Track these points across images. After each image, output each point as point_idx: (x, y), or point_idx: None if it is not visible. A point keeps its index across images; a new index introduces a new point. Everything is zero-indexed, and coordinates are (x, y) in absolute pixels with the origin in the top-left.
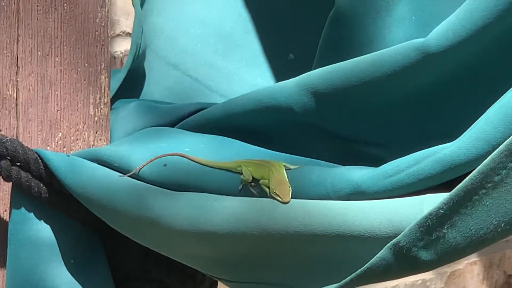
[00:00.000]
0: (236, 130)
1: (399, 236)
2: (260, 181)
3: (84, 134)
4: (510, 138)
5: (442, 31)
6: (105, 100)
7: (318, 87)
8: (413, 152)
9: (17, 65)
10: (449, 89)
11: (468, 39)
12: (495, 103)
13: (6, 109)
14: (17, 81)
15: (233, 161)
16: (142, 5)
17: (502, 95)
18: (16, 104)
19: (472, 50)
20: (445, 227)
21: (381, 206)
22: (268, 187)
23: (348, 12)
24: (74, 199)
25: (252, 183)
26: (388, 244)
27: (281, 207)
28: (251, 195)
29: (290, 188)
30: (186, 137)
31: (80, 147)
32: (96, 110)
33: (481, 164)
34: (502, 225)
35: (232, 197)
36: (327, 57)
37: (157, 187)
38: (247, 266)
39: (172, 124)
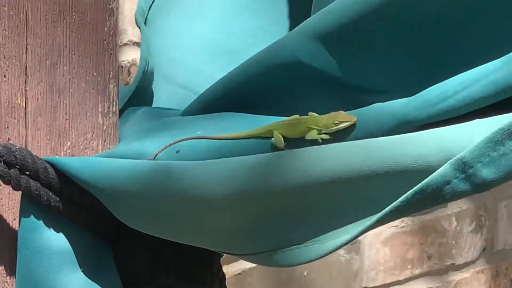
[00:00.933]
0: (241, 103)
1: (464, 152)
2: (306, 136)
3: (93, 143)
4: None
5: None
6: (114, 109)
7: (323, 28)
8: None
9: (25, 74)
10: (463, 17)
11: None
12: None
13: (15, 118)
14: (26, 90)
15: (259, 127)
16: (145, 24)
17: None
18: (25, 113)
19: None
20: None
21: (431, 135)
22: (319, 130)
23: None
24: (84, 207)
25: (284, 147)
26: (451, 160)
27: (323, 152)
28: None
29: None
30: (194, 121)
31: (89, 156)
32: (105, 119)
33: None
34: None
35: (263, 154)
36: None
37: (186, 161)
38: (281, 226)
39: None
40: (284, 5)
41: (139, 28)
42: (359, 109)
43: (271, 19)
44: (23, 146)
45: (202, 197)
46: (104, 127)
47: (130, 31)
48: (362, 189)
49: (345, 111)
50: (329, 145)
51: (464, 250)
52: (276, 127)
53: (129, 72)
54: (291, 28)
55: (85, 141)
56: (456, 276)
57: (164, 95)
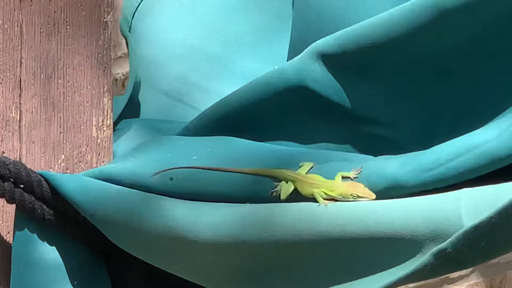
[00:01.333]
0: (242, 127)
1: (446, 243)
2: (314, 196)
3: (87, 156)
4: None
5: None
6: (108, 122)
7: (329, 52)
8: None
9: (20, 87)
10: (466, 57)
11: None
12: None
13: (9, 131)
14: (20, 103)
15: (269, 169)
16: (129, 31)
17: None
18: (19, 127)
19: (493, 11)
20: (495, 232)
21: (417, 204)
22: (332, 198)
23: None
24: (78, 220)
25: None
26: (433, 250)
27: (312, 211)
28: (278, 201)
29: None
30: (190, 144)
31: (83, 169)
32: (99, 132)
33: None
34: None
35: (256, 204)
36: (299, 40)
37: (179, 199)
38: (265, 275)
39: None
40: (266, 11)
41: (124, 37)
42: (358, 162)
43: (253, 25)
44: (18, 159)
45: (191, 238)
46: (99, 140)
47: (124, 44)
48: (349, 251)
49: (341, 144)
50: (321, 205)
51: None
52: (290, 177)
53: (123, 85)
54: (273, 35)
55: (79, 155)
56: None
57: (150, 104)
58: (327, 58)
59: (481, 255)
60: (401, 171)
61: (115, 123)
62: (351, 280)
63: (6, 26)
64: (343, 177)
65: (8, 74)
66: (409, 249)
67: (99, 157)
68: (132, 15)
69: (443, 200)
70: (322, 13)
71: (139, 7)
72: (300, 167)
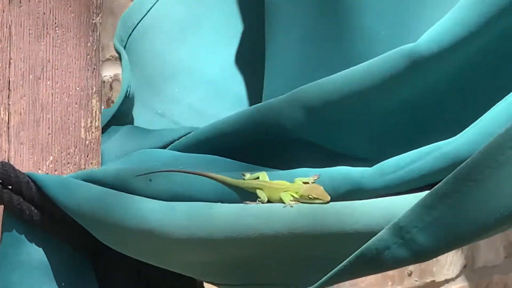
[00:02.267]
0: (226, 149)
1: (400, 217)
2: (281, 197)
3: (75, 157)
4: None
5: (433, 36)
6: (96, 123)
7: (309, 102)
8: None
9: (9, 88)
10: (442, 99)
11: (460, 43)
12: (500, 102)
13: None
14: (8, 104)
15: (244, 180)
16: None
17: (499, 100)
18: (8, 128)
19: (464, 56)
20: (445, 207)
21: (379, 205)
22: (297, 200)
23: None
24: (66, 222)
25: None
26: (388, 225)
27: (279, 211)
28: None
29: (323, 189)
30: (178, 157)
31: (71, 171)
32: (88, 133)
33: (488, 142)
34: (502, 210)
35: (228, 204)
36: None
37: (156, 200)
38: (245, 269)
39: (163, 147)
40: (259, 32)
41: (118, 53)
42: (323, 169)
43: (247, 47)
44: (6, 160)
45: (166, 237)
46: (87, 141)
47: (112, 46)
48: (316, 248)
49: (314, 167)
50: (287, 206)
51: (445, 267)
52: (262, 187)
53: (111, 87)
54: (264, 55)
55: (68, 156)
56: None
57: (143, 123)
58: (308, 108)
59: (434, 238)
60: (363, 176)
61: (103, 130)
62: (324, 275)
63: None
64: (303, 182)
65: None
66: None
67: (88, 158)
68: (128, 35)
69: (405, 201)
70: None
71: (136, 28)
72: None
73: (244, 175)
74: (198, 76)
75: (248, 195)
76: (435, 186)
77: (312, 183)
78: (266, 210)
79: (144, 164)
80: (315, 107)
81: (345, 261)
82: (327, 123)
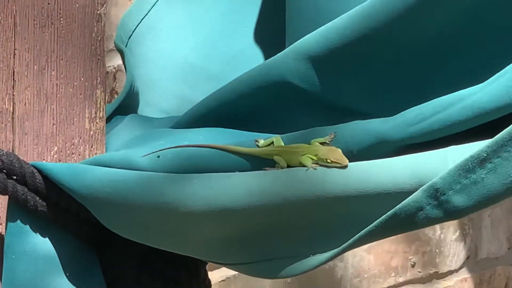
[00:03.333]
0: (230, 120)
1: (436, 178)
2: (301, 161)
3: (80, 148)
4: None
5: None
6: (101, 114)
7: (313, 51)
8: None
9: (13, 79)
10: (456, 45)
11: None
12: None
13: (2, 123)
14: (13, 94)
15: (259, 149)
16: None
17: None
18: (12, 118)
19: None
20: (485, 171)
21: (404, 161)
22: (317, 163)
23: None
24: (71, 212)
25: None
26: (424, 186)
27: (302, 175)
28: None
29: (340, 152)
30: (183, 134)
31: (76, 161)
32: (92, 124)
33: None
34: None
35: (247, 172)
36: (293, 34)
37: (168, 174)
38: (263, 241)
39: None
40: (264, 27)
41: (120, 51)
42: (339, 125)
43: (251, 41)
44: (10, 151)
45: (184, 211)
46: (91, 132)
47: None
48: (341, 211)
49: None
50: (309, 170)
51: (448, 258)
52: (279, 152)
53: (114, 78)
54: (274, 50)
55: (72, 146)
56: (440, 285)
57: None
58: (312, 59)
59: (469, 198)
60: (386, 127)
61: (107, 121)
62: (347, 239)
63: (0, 18)
64: (320, 143)
65: (1, 66)
66: (395, 205)
67: (92, 149)
68: (129, 36)
69: (431, 157)
70: (314, 21)
71: (136, 28)
72: (263, 142)
73: (257, 141)
74: (201, 73)
75: (265, 162)
76: (476, 150)
77: (330, 141)
78: (289, 175)
79: (149, 144)
80: (319, 57)
81: (375, 222)
82: (333, 73)
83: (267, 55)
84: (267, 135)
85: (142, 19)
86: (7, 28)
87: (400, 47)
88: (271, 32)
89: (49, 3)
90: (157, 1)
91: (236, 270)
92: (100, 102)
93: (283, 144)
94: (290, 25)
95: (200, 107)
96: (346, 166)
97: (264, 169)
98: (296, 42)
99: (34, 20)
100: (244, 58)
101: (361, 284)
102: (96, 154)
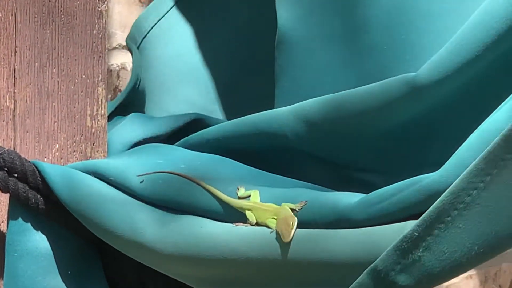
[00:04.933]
0: (232, 151)
1: (377, 260)
2: (270, 224)
3: (81, 145)
4: (479, 157)
5: (433, 65)
6: (102, 111)
7: (311, 117)
8: (407, 178)
9: (14, 76)
10: (440, 119)
11: (458, 71)
12: (476, 130)
13: (3, 120)
14: (14, 92)
15: (236, 200)
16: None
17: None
18: (14, 116)
19: (461, 81)
20: (420, 250)
21: (363, 234)
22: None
23: (292, 36)
24: None
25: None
26: (367, 269)
27: (267, 237)
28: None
29: (294, 226)
30: (184, 155)
31: (77, 159)
32: (93, 121)
33: (452, 185)
34: (476, 248)
35: (219, 223)
36: (283, 83)
37: (150, 207)
38: (236, 286)
39: (169, 135)
40: (272, 36)
41: (130, 50)
42: (313, 193)
43: (261, 51)
44: (12, 149)
45: (158, 251)
46: (93, 129)
47: (119, 35)
48: (301, 274)
49: (324, 186)
50: (273, 232)
51: None
52: (250, 207)
53: (118, 76)
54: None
55: (74, 144)
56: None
57: None
58: (309, 120)
59: (413, 278)
60: (348, 206)
61: (108, 119)
62: None
63: (1, 15)
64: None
65: (2, 63)
66: (352, 274)
67: (94, 146)
68: (142, 37)
69: (388, 230)
70: None
71: (151, 30)
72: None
73: (238, 189)
74: (211, 79)
75: (238, 215)
76: (408, 230)
77: (299, 209)
78: (254, 235)
79: (148, 160)
80: (316, 122)
81: None
82: (328, 137)
83: (273, 66)
84: (264, 173)
85: (158, 21)
86: (8, 25)
87: (392, 122)
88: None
89: (49, 0)
90: (173, 6)
91: None
92: (101, 100)
93: (258, 200)
94: (278, 68)
95: (206, 133)
96: (285, 242)
97: (236, 224)
98: (298, 104)
99: (35, 17)
100: (256, 67)
101: None
102: (98, 151)
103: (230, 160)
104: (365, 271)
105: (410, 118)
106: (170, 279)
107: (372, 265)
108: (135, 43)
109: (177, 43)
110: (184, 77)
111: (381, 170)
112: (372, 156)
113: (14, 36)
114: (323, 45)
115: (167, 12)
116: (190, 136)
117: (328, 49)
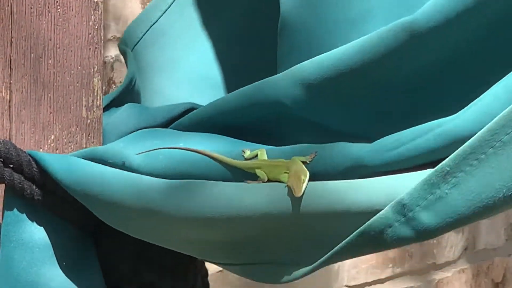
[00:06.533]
0: (228, 127)
1: (404, 194)
2: (283, 179)
3: (77, 136)
4: None
5: (431, 9)
6: (98, 103)
7: (308, 79)
8: None
9: (10, 67)
10: (442, 76)
11: (458, 18)
12: (501, 81)
13: None
14: (10, 83)
15: (243, 161)
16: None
17: (500, 78)
18: (9, 106)
19: (463, 31)
20: (449, 186)
21: (381, 183)
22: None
23: (295, 22)
24: (67, 200)
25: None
26: (392, 203)
27: (281, 191)
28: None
29: (306, 181)
30: (180, 136)
31: (73, 150)
32: (89, 112)
33: (492, 122)
34: (504, 190)
35: (228, 183)
36: (285, 65)
37: (155, 178)
38: (245, 249)
39: (164, 125)
40: (268, 38)
41: (123, 54)
42: (322, 145)
43: (259, 52)
44: (7, 139)
45: (169, 217)
46: (88, 121)
47: (113, 27)
48: (320, 227)
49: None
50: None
51: (446, 249)
52: (260, 166)
53: (112, 68)
54: (272, 60)
55: (69, 135)
56: (437, 275)
57: None
58: (308, 86)
59: (436, 216)
60: (363, 152)
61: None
62: (323, 254)
63: None
64: (301, 161)
65: None
66: None
67: (89, 137)
68: (135, 43)
69: (407, 179)
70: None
71: (145, 35)
72: (247, 154)
73: (244, 152)
74: (209, 82)
75: (248, 175)
76: (439, 164)
77: (310, 161)
78: (268, 190)
79: (145, 142)
80: (313, 84)
81: (346, 239)
82: (325, 99)
83: (269, 66)
84: (258, 145)
85: (151, 26)
86: (3, 16)
87: (391, 79)
88: (274, 44)
89: None
90: (167, 9)
91: (227, 270)
92: (97, 91)
93: (266, 158)
94: (281, 55)
95: (199, 113)
96: (297, 197)
97: (246, 182)
98: (293, 68)
99: (31, 8)
100: (255, 69)
101: (358, 275)
102: (93, 143)
103: (224, 137)
104: (389, 205)
105: (408, 74)
106: (164, 268)
107: (398, 198)
108: (130, 47)
109: (172, 47)
110: (178, 80)
111: (372, 137)
112: (369, 122)
113: (10, 26)
114: (326, 30)
115: (161, 16)
116: (182, 118)
117: (332, 34)
